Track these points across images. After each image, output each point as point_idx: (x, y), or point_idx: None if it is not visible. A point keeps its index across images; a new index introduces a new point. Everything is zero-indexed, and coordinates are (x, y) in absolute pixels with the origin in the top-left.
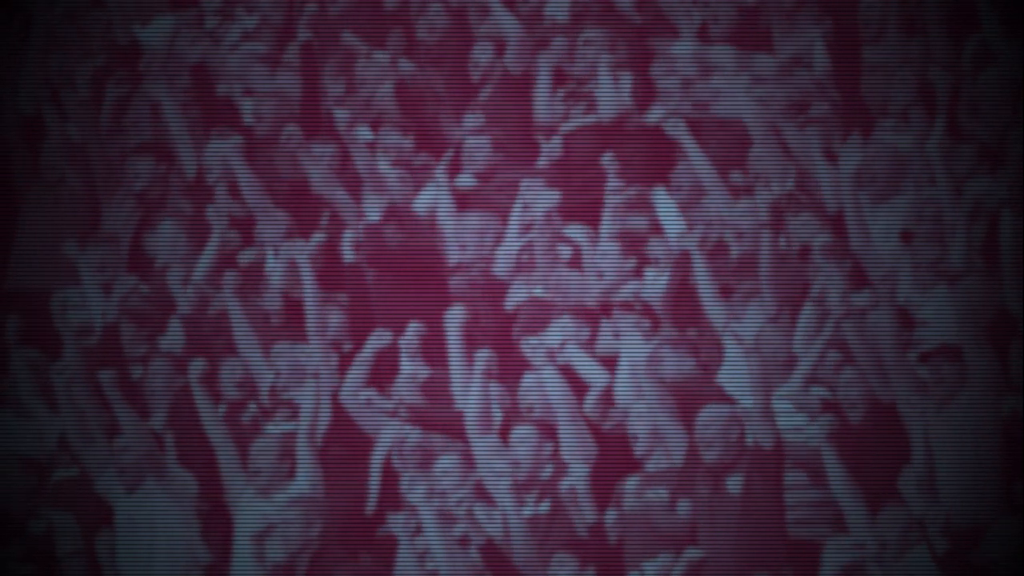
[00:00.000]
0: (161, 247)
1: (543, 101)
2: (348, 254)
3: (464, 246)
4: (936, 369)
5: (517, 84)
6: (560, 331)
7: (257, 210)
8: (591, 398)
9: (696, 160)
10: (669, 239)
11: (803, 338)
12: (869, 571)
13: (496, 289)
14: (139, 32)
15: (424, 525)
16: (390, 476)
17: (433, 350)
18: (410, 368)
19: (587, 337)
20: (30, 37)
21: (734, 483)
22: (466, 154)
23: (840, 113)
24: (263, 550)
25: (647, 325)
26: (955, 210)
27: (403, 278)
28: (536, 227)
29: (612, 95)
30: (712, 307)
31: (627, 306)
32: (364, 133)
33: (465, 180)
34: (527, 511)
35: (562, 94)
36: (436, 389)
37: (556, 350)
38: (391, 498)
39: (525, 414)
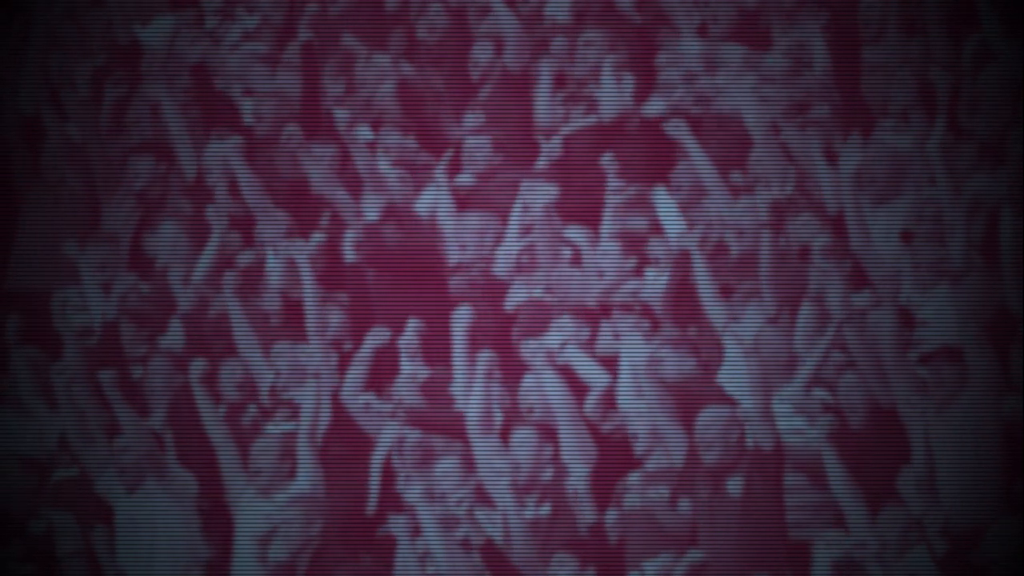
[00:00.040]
0: (161, 247)
1: (543, 105)
2: (349, 254)
3: (464, 246)
4: (936, 370)
5: (517, 82)
6: (560, 331)
7: (257, 210)
8: (591, 399)
9: (697, 160)
10: (669, 239)
11: (804, 339)
12: (869, 571)
13: (496, 289)
14: (139, 32)
15: (424, 526)
16: (391, 476)
17: (433, 350)
18: (410, 368)
19: (587, 337)
20: (30, 37)
21: (734, 485)
22: (466, 153)
23: (840, 113)
24: (267, 552)
25: (647, 326)
26: (955, 209)
27: (403, 278)
28: (536, 226)
29: (614, 94)
30: (712, 307)
31: (626, 307)
32: (364, 133)
33: (465, 180)
34: (528, 513)
35: (562, 96)
36: (436, 390)
37: (556, 351)
38: (391, 499)
39: (526, 415)
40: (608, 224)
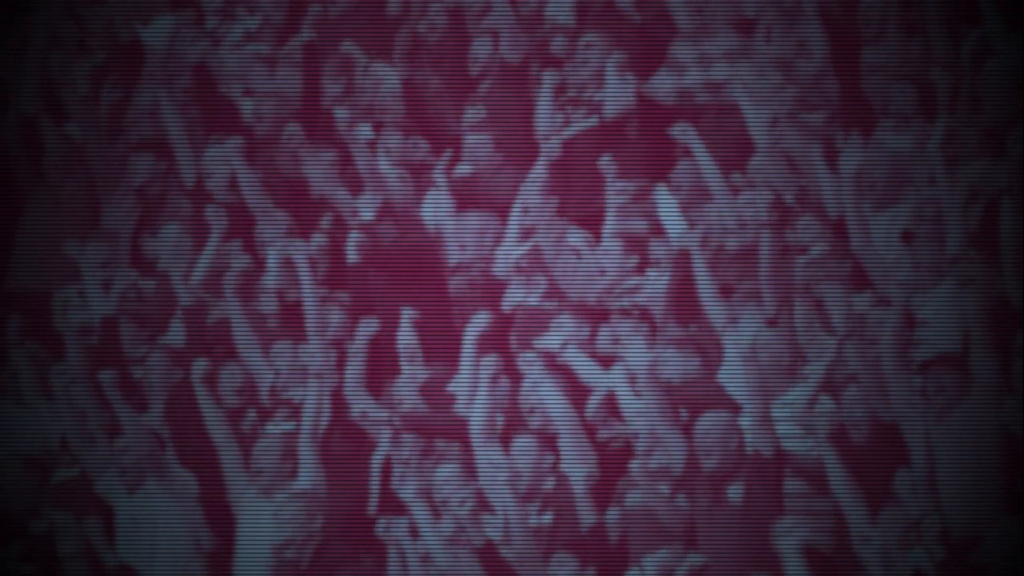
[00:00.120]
0: (161, 248)
1: (544, 114)
2: (351, 254)
3: (464, 246)
4: (937, 377)
5: (515, 76)
6: (561, 332)
7: (257, 210)
8: (592, 403)
9: (702, 160)
10: (670, 239)
11: (805, 343)
12: (870, 572)
13: (496, 290)
14: (139, 32)
15: (423, 528)
16: (391, 477)
17: (433, 351)
18: (409, 370)
19: (587, 338)
20: (31, 36)
21: (734, 491)
22: (466, 152)
23: (840, 114)
24: (268, 552)
25: (646, 329)
26: (956, 208)
27: (402, 278)
28: (537, 229)
29: (617, 93)
30: (712, 307)
31: (625, 312)
32: (364, 132)
33: (464, 179)
34: (531, 522)
35: (563, 100)
36: (435, 391)
37: (556, 353)
38: (392, 499)
39: (527, 415)
40: (608, 224)
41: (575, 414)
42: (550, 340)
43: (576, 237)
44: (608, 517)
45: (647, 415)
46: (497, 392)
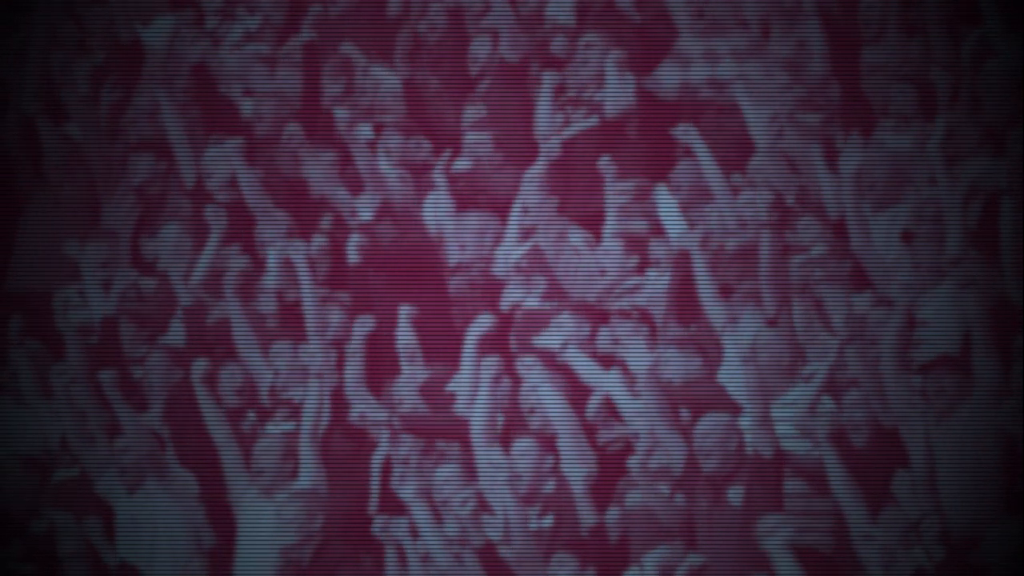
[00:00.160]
0: (161, 248)
1: (544, 114)
2: (351, 254)
3: (464, 246)
4: (937, 379)
5: (515, 76)
6: (560, 333)
7: (257, 210)
8: (592, 404)
9: (703, 160)
10: (670, 239)
11: (805, 343)
12: (870, 572)
13: (496, 290)
14: (139, 32)
15: (423, 528)
16: (391, 477)
17: (433, 351)
18: (409, 370)
19: (587, 338)
20: (31, 36)
21: (734, 493)
22: (466, 152)
23: (840, 113)
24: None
25: (645, 331)
26: (955, 208)
27: (402, 278)
28: (537, 229)
29: (617, 93)
30: (712, 307)
31: (624, 314)
32: (364, 131)
33: (465, 179)
34: (532, 526)
35: (563, 99)
36: (435, 392)
37: (556, 353)
38: (392, 499)
39: (527, 415)
40: (609, 224)
41: (575, 415)
42: (550, 340)
43: (576, 237)
44: (608, 517)
45: (647, 416)
46: (498, 393)
